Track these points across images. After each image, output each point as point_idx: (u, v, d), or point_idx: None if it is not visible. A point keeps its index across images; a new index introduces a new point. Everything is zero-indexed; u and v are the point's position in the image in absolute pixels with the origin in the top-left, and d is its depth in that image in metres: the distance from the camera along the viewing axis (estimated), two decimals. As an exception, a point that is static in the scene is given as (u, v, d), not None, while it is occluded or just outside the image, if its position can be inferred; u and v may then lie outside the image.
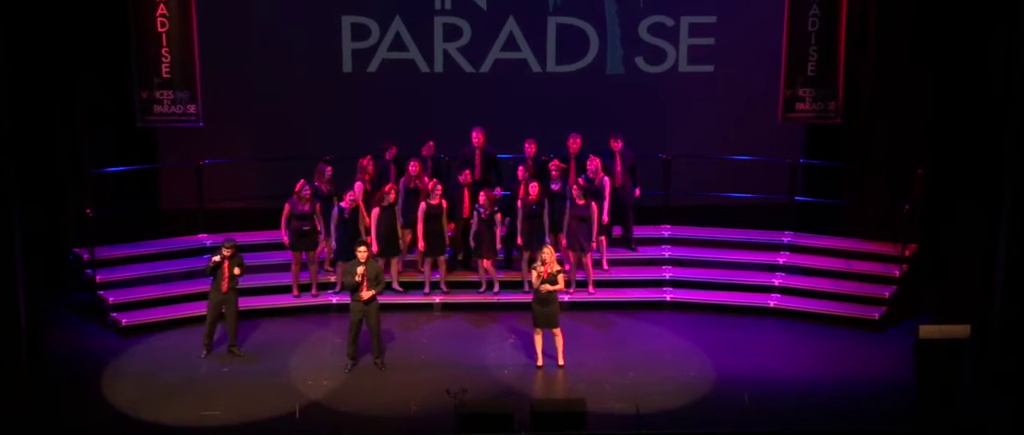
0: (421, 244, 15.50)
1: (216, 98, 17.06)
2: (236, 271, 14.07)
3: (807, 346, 14.80)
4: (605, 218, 15.55)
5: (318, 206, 15.54)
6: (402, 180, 15.72)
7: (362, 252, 13.62)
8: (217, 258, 14.01)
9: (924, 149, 16.37)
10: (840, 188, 17.31)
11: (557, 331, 13.82)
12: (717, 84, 17.89)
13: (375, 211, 15.28)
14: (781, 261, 16.37)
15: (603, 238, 15.90)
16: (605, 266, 16.13)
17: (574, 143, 16.14)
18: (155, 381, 13.71)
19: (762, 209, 17.19)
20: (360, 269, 13.52)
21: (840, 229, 16.96)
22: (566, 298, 15.61)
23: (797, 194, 16.95)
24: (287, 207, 15.35)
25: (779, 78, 16.56)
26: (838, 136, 17.14)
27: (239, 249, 14.29)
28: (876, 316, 15.28)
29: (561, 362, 13.85)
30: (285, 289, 15.79)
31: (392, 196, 15.28)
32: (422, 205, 15.36)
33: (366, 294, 13.62)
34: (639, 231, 16.92)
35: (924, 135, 16.43)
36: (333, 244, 15.29)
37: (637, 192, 16.24)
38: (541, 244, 15.16)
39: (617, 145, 16.07)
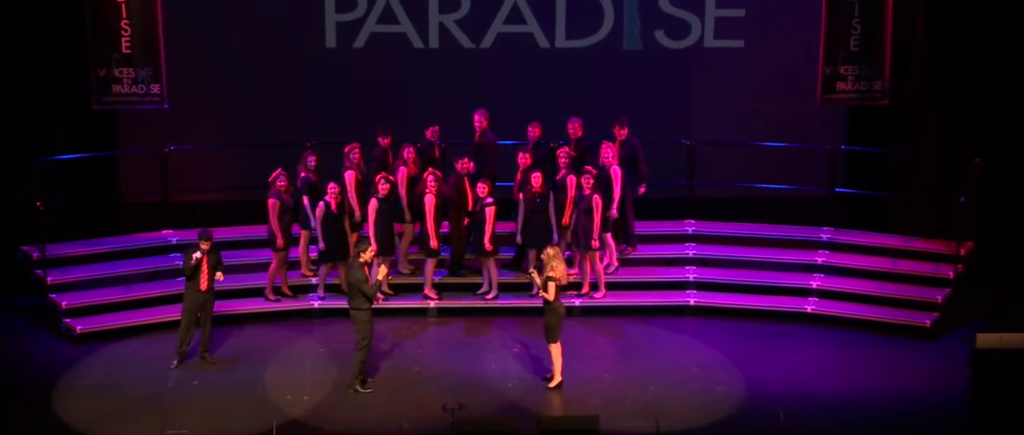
0: (434, 242, 15.46)
1: (183, 77, 17.01)
2: (219, 276, 14.04)
3: (849, 357, 14.75)
4: (614, 212, 15.46)
5: (305, 198, 15.49)
6: (401, 172, 15.65)
7: (369, 253, 13.53)
8: (197, 254, 13.93)
9: (982, 134, 16.31)
10: (886, 178, 17.27)
11: (550, 347, 13.67)
12: (747, 61, 17.86)
13: (373, 203, 15.21)
14: (820, 261, 16.32)
15: (610, 235, 15.84)
16: (615, 263, 16.07)
17: (574, 128, 16.06)
18: (114, 395, 13.65)
19: (798, 202, 17.14)
20: (383, 268, 13.48)
21: (887, 225, 16.93)
22: (578, 303, 15.57)
23: (838, 185, 16.89)
24: (275, 203, 15.23)
25: (817, 54, 16.48)
26: (884, 119, 17.09)
27: (191, 248, 14.18)
28: (928, 323, 15.23)
29: (554, 382, 13.68)
30: (261, 291, 15.74)
31: (386, 187, 15.22)
32: (431, 198, 15.29)
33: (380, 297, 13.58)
34: (659, 227, 16.90)
35: (982, 118, 16.36)
36: (322, 244, 15.23)
37: (642, 189, 16.14)
38: (547, 242, 15.11)
39: (622, 133, 15.98)
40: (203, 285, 14.02)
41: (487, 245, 15.38)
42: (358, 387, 13.60)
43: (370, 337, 13.54)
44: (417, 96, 17.72)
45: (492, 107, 16.37)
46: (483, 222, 15.34)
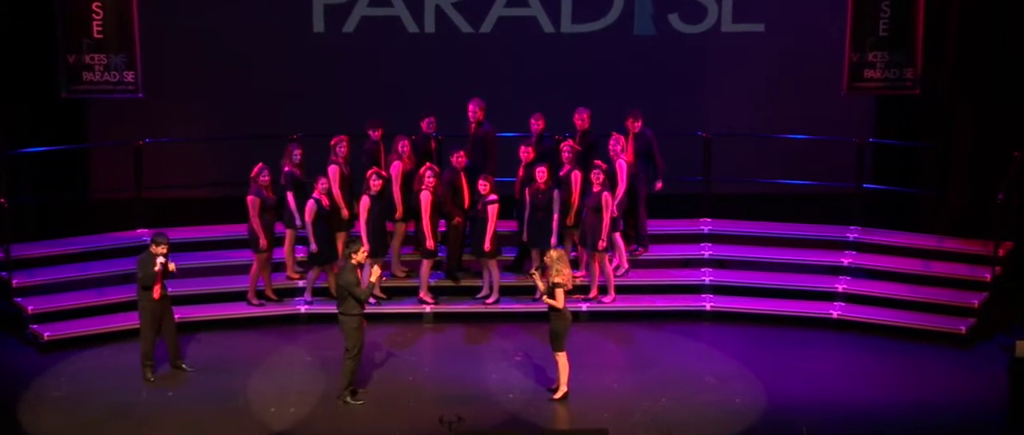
0: (430, 242, 15.45)
1: (159, 64, 17.01)
2: (171, 267, 13.92)
3: (878, 366, 14.74)
4: (614, 209, 15.42)
5: (290, 195, 15.47)
6: (396, 165, 15.63)
7: (361, 254, 13.47)
8: (161, 259, 13.86)
9: (1022, 125, 16.28)
10: (919, 173, 17.25)
11: (557, 356, 13.64)
12: (768, 47, 17.88)
13: (364, 201, 15.18)
14: (846, 262, 16.32)
15: (619, 234, 15.82)
16: (625, 265, 16.07)
17: (581, 119, 16.03)
18: (84, 407, 13.63)
19: (823, 199, 17.17)
20: (376, 270, 13.42)
21: (919, 224, 16.91)
22: (585, 307, 15.57)
23: (866, 181, 16.89)
24: (255, 200, 15.20)
25: (844, 39, 16.48)
26: (916, 110, 17.07)
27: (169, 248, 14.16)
28: (963, 329, 15.22)
29: (559, 393, 13.67)
30: (243, 295, 15.74)
31: (378, 183, 15.20)
32: (428, 195, 15.27)
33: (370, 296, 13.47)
34: (673, 226, 16.91)
35: (1022, 108, 16.33)
36: (313, 245, 15.22)
37: (659, 185, 16.12)
38: (549, 242, 15.10)
39: (635, 125, 15.96)
40: (157, 294, 13.90)
41: (487, 245, 15.37)
42: (348, 398, 13.58)
43: (361, 344, 13.51)
44: (411, 85, 17.73)
45: (492, 97, 16.36)
46: (484, 221, 15.32)
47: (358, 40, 17.83)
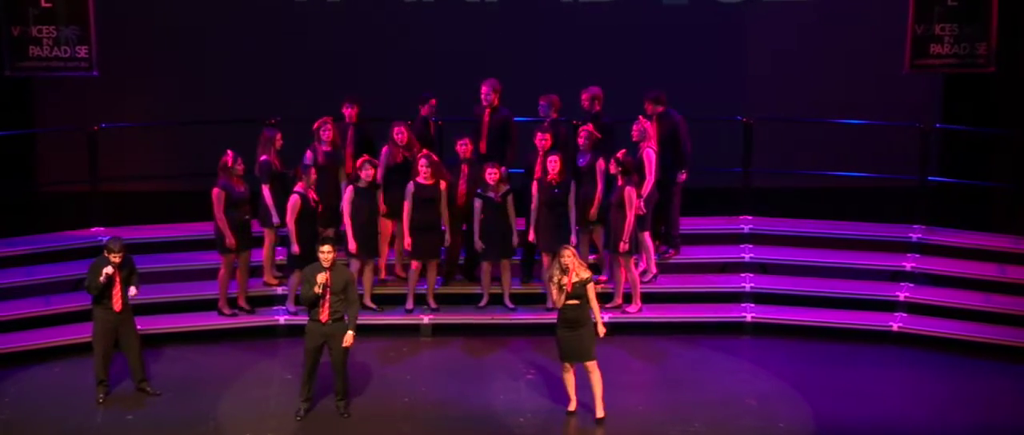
0: (407, 241, 15.49)
1: (116, 38, 17.07)
2: (132, 291, 13.90)
3: (944, 386, 14.75)
4: (640, 205, 15.39)
5: (266, 188, 15.50)
6: (384, 151, 15.68)
7: (326, 253, 13.51)
8: (109, 269, 13.80)
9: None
10: (992, 164, 17.26)
11: (591, 366, 13.66)
12: (818, 18, 17.89)
13: (348, 192, 15.22)
14: (908, 267, 16.35)
15: (647, 234, 15.85)
16: (653, 270, 16.10)
17: (590, 99, 15.99)
18: (31, 433, 13.66)
19: (881, 194, 17.19)
20: (322, 276, 13.45)
21: (992, 222, 16.93)
22: (607, 318, 15.60)
23: (931, 173, 16.91)
24: (220, 193, 15.20)
25: (907, 10, 16.50)
26: (989, 91, 17.08)
27: (130, 249, 14.12)
28: (1042, 344, 15.28)
29: (599, 413, 13.74)
30: (213, 304, 15.78)
31: (370, 172, 15.25)
32: (411, 186, 15.33)
33: (326, 313, 13.55)
34: (708, 224, 16.95)
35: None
36: (295, 246, 15.24)
37: (683, 176, 16.10)
38: (564, 242, 15.15)
39: (658, 108, 15.93)
40: (117, 305, 13.84)
41: (478, 244, 15.43)
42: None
43: (308, 351, 13.55)
44: (408, 63, 17.76)
45: (500, 75, 16.34)
46: (495, 217, 15.38)
47: (345, 10, 17.88)
